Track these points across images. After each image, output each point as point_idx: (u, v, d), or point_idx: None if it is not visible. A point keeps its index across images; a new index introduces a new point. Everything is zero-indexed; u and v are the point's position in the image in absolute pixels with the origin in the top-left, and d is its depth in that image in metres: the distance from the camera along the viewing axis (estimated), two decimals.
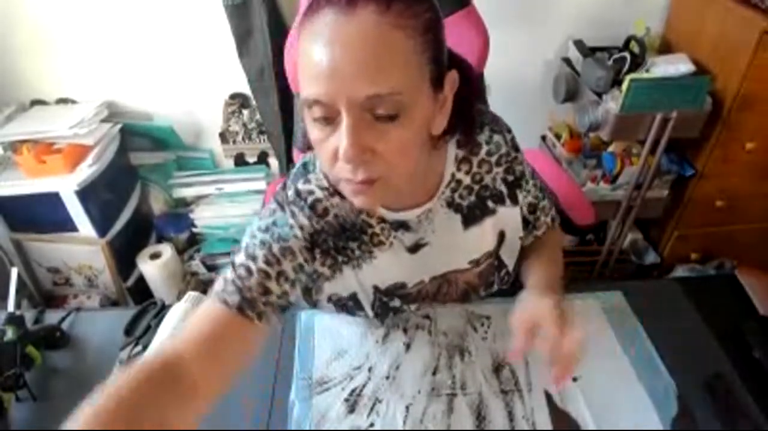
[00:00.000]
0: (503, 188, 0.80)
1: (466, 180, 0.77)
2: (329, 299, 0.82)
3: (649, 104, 1.50)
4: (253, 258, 0.67)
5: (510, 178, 0.80)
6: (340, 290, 0.81)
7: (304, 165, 0.76)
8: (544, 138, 1.98)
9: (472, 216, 0.79)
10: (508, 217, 0.82)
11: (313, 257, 0.72)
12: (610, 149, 1.79)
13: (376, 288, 0.81)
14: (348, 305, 0.82)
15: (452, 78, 0.63)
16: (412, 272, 0.81)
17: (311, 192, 0.73)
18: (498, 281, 0.88)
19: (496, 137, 0.78)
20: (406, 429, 0.71)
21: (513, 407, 0.73)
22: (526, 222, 0.86)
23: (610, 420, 0.72)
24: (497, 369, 0.79)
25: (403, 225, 0.77)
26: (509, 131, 0.81)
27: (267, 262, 0.67)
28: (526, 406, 0.73)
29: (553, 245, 0.89)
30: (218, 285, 0.66)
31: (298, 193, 0.73)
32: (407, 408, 0.73)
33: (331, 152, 0.58)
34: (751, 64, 1.45)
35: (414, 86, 0.57)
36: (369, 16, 0.53)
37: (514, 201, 0.82)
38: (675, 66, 1.54)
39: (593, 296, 0.91)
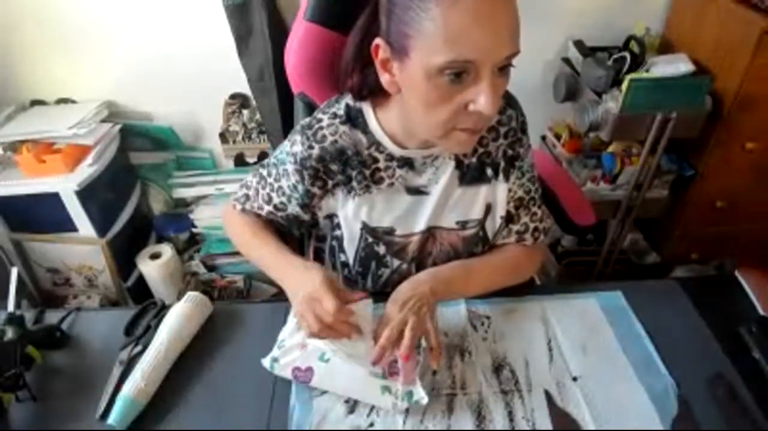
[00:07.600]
0: (502, 162, 0.85)
1: None
2: (326, 217, 0.87)
3: (649, 104, 1.50)
4: (269, 174, 0.86)
5: (510, 152, 0.84)
6: (334, 211, 0.86)
7: (337, 100, 0.83)
8: (544, 138, 1.98)
9: (469, 177, 0.84)
10: (499, 192, 0.86)
11: (303, 177, 0.81)
12: (610, 149, 1.79)
13: (364, 225, 0.84)
14: (336, 233, 0.87)
15: None
16: (404, 218, 0.84)
17: (319, 120, 0.81)
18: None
19: (510, 111, 0.83)
20: (406, 429, 0.71)
21: (513, 407, 0.73)
22: (508, 215, 0.88)
23: (610, 420, 0.71)
24: (497, 369, 0.78)
25: (408, 163, 0.82)
26: (523, 114, 0.86)
27: (273, 178, 0.85)
28: (526, 406, 0.73)
29: (502, 265, 0.89)
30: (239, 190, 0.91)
31: (310, 122, 0.82)
32: (407, 408, 0.73)
33: (458, 107, 0.65)
34: (751, 64, 1.45)
35: None
36: None
37: (507, 178, 0.85)
38: (675, 66, 1.54)
39: (593, 296, 0.90)
